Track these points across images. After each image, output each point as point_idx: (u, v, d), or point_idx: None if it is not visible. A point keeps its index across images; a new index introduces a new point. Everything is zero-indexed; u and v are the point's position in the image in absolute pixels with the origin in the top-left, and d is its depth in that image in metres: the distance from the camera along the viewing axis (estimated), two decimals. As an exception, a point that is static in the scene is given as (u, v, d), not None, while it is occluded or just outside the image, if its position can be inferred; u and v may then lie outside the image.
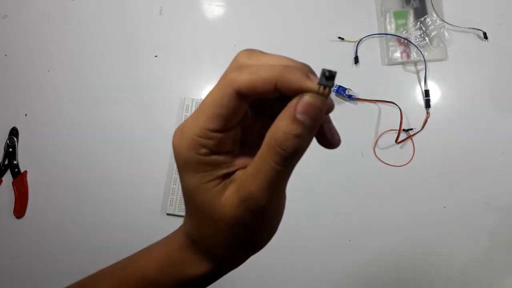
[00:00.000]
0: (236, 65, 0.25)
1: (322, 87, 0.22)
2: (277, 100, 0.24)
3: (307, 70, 0.24)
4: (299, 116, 0.22)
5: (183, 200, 0.75)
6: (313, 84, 0.23)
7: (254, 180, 0.24)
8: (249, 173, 0.24)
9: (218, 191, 0.25)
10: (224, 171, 0.26)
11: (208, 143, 0.24)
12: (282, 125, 0.23)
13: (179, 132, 0.25)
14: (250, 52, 0.25)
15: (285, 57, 0.25)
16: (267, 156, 0.23)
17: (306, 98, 0.23)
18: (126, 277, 0.32)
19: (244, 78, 0.23)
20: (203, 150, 0.25)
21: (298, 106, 0.22)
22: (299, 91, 0.23)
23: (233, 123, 0.25)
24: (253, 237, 0.27)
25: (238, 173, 0.26)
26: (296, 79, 0.23)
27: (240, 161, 0.26)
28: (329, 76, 0.22)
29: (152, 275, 0.30)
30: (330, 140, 0.26)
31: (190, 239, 0.29)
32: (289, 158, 0.23)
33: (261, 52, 0.25)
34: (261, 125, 0.26)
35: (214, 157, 0.25)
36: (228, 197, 0.25)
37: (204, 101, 0.25)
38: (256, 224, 0.26)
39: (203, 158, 0.25)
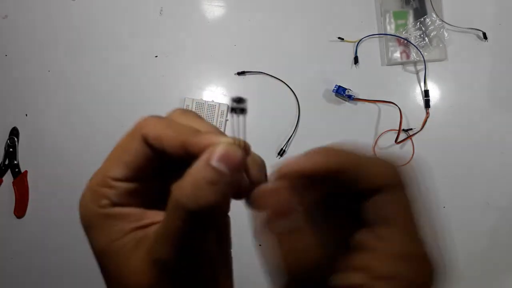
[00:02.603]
0: (158, 116, 0.22)
1: (237, 139, 0.20)
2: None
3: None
4: (215, 164, 0.19)
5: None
6: (225, 138, 0.20)
7: (163, 241, 0.20)
8: (157, 232, 0.20)
9: (129, 250, 0.21)
10: (132, 225, 0.21)
11: (109, 193, 0.21)
12: (192, 174, 0.19)
13: (85, 186, 0.22)
14: (185, 111, 0.23)
15: (216, 128, 0.22)
16: (172, 212, 0.19)
17: (221, 146, 0.19)
18: None
19: (153, 127, 0.21)
20: (104, 201, 0.21)
21: (212, 155, 0.19)
22: (210, 146, 0.20)
23: (141, 174, 0.22)
24: None
25: (152, 228, 0.21)
26: (207, 136, 0.20)
27: (154, 214, 0.22)
28: (237, 100, 0.20)
29: None
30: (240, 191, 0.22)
31: None
32: (199, 214, 0.19)
33: (195, 115, 0.23)
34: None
35: (117, 209, 0.21)
36: (140, 259, 0.21)
37: (115, 148, 0.22)
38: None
39: (104, 211, 0.21)
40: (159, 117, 0.22)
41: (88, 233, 0.22)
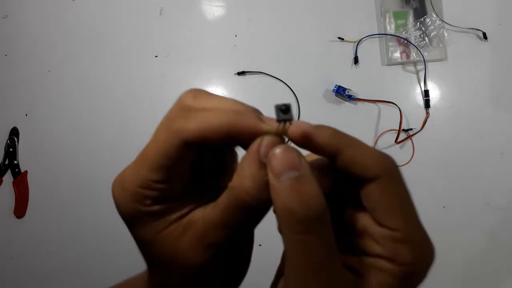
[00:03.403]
0: (180, 109, 0.23)
1: (282, 124, 0.21)
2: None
3: (258, 113, 0.22)
4: (265, 160, 0.20)
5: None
6: (268, 126, 0.21)
7: (221, 230, 0.22)
8: (212, 221, 0.22)
9: (176, 237, 0.23)
10: (176, 215, 0.23)
11: (152, 194, 0.22)
12: (249, 174, 0.21)
13: (119, 184, 0.23)
14: (196, 93, 0.23)
15: (234, 100, 0.23)
16: (233, 206, 0.21)
17: (268, 138, 0.21)
18: None
19: (193, 128, 0.21)
20: (149, 202, 0.22)
21: (262, 149, 0.20)
22: (255, 135, 0.21)
23: (179, 172, 0.23)
24: (221, 281, 0.25)
25: (196, 214, 0.23)
26: (252, 124, 0.21)
27: (190, 200, 0.24)
28: (285, 109, 0.21)
29: None
30: None
31: None
32: (258, 208, 0.21)
33: (208, 94, 0.23)
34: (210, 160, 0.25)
35: (162, 206, 0.23)
36: (191, 243, 0.23)
37: (146, 149, 0.23)
38: (221, 269, 0.24)
39: (148, 209, 0.23)
40: (192, 115, 0.22)
41: (132, 227, 0.24)
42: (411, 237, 0.21)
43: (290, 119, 0.21)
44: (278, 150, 0.20)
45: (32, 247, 0.78)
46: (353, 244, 0.23)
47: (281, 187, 0.20)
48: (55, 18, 0.82)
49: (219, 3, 0.83)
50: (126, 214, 0.23)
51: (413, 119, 0.78)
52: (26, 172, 0.78)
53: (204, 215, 0.23)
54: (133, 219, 0.23)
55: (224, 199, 0.22)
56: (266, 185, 0.20)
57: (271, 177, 0.20)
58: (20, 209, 0.78)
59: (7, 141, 0.79)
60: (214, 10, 0.82)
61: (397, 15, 0.80)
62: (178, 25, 0.82)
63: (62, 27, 0.82)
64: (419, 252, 0.21)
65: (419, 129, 0.77)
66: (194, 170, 0.24)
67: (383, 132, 0.78)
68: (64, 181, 0.78)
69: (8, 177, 0.79)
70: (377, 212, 0.21)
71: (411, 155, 0.77)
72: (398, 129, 0.75)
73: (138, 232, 0.23)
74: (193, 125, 0.21)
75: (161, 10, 0.82)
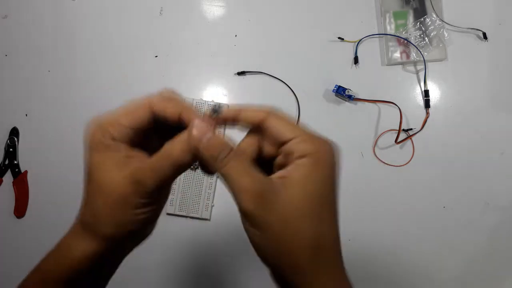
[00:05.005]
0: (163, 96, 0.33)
1: (214, 114, 0.32)
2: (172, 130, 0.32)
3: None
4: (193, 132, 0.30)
5: (183, 200, 0.75)
6: (199, 117, 0.31)
7: (149, 172, 0.30)
8: (146, 166, 0.30)
9: (116, 168, 0.31)
10: (122, 154, 0.31)
11: (114, 131, 0.31)
12: (185, 140, 0.30)
13: (97, 121, 0.32)
14: (173, 96, 0.33)
15: (193, 108, 0.33)
16: (164, 160, 0.30)
17: (197, 123, 0.31)
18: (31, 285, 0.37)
19: (161, 102, 0.32)
20: (108, 135, 0.31)
21: (193, 125, 0.30)
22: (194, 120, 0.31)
23: (140, 130, 0.32)
24: (136, 219, 0.31)
25: (135, 159, 0.31)
26: (193, 114, 0.32)
27: (138, 153, 0.32)
28: (217, 110, 0.32)
29: (49, 272, 0.35)
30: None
31: (81, 223, 0.33)
32: (183, 165, 0.30)
33: (179, 99, 0.33)
34: (157, 140, 0.33)
35: (116, 142, 0.31)
36: (122, 176, 0.30)
37: (124, 106, 0.33)
38: (138, 205, 0.31)
39: (106, 141, 0.31)
40: (162, 96, 0.32)
41: (89, 152, 0.31)
42: (310, 138, 0.31)
43: (220, 114, 0.32)
44: (197, 122, 0.31)
45: (32, 247, 0.78)
46: (283, 165, 0.31)
47: (202, 144, 0.30)
48: (55, 18, 0.82)
49: (219, 3, 0.83)
50: (93, 142, 0.31)
51: (413, 119, 0.78)
52: (26, 172, 0.79)
53: (142, 159, 0.32)
54: (92, 145, 0.31)
55: (158, 153, 0.31)
56: (186, 150, 0.30)
57: (195, 139, 0.30)
58: (20, 209, 0.78)
59: (7, 141, 0.79)
60: (214, 10, 0.82)
61: (397, 15, 0.80)
62: (178, 25, 0.82)
63: (62, 27, 0.82)
64: (318, 144, 0.31)
65: (419, 129, 0.77)
66: (155, 135, 0.33)
67: (383, 132, 0.78)
68: (64, 181, 0.78)
69: (8, 177, 0.79)
70: (287, 137, 0.31)
71: (411, 155, 0.77)
72: (398, 129, 0.75)
73: (91, 156, 0.31)
74: (162, 103, 0.32)
75: (161, 10, 0.82)
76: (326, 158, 0.31)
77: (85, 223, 0.33)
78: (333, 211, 0.32)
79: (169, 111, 0.32)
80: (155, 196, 0.31)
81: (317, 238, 0.29)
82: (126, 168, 0.30)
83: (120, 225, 0.31)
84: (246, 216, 0.29)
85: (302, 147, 0.30)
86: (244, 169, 0.29)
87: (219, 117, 0.32)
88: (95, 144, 0.31)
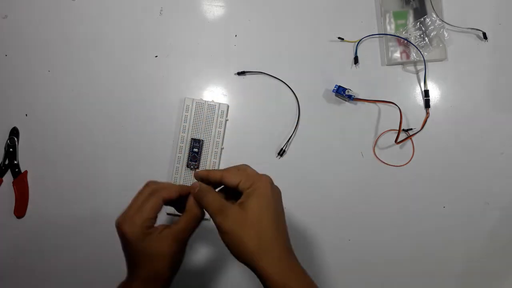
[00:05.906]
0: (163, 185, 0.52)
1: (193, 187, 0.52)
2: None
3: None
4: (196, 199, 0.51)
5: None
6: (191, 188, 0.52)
7: (183, 231, 0.50)
8: (180, 227, 0.50)
9: (160, 239, 0.48)
10: (158, 231, 0.49)
11: (148, 224, 0.49)
12: (193, 203, 0.51)
13: (129, 221, 0.49)
14: (160, 185, 0.52)
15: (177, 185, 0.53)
16: (191, 218, 0.51)
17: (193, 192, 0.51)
18: None
19: (166, 191, 0.51)
20: (146, 226, 0.49)
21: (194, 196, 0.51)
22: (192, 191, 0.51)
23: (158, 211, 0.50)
24: (180, 260, 0.52)
25: (167, 228, 0.50)
26: (187, 189, 0.52)
27: (162, 225, 0.51)
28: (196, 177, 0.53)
29: None
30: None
31: (141, 281, 0.49)
32: (201, 219, 0.52)
33: (162, 184, 0.53)
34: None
35: (151, 229, 0.49)
36: (167, 240, 0.49)
37: (142, 203, 0.50)
38: (181, 253, 0.51)
39: (147, 231, 0.48)
40: (162, 186, 0.52)
41: (135, 241, 0.48)
42: (249, 178, 0.49)
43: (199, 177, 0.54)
44: (195, 185, 0.51)
45: (32, 247, 0.78)
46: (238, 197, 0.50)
47: (195, 195, 0.51)
48: (55, 18, 0.82)
49: (219, 3, 0.83)
50: (132, 235, 0.48)
51: (413, 119, 0.78)
52: (26, 172, 0.79)
53: (173, 226, 0.50)
54: (137, 236, 0.48)
55: (184, 216, 0.51)
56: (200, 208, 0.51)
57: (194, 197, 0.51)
58: (20, 209, 0.78)
59: (7, 141, 0.79)
60: (214, 10, 0.82)
61: (397, 15, 0.80)
62: (178, 25, 0.82)
63: (62, 27, 0.82)
64: (255, 181, 0.49)
65: (419, 129, 0.77)
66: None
67: (383, 132, 0.78)
68: (64, 181, 0.78)
69: (8, 177, 0.79)
70: (240, 183, 0.50)
71: (411, 155, 0.77)
72: (398, 129, 0.75)
73: (138, 243, 0.48)
74: (166, 191, 0.51)
75: (161, 10, 0.82)
76: (262, 187, 0.48)
77: (146, 279, 0.48)
78: (271, 217, 0.47)
79: (173, 195, 0.51)
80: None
81: (259, 234, 0.45)
82: (165, 234, 0.49)
83: (174, 269, 0.51)
84: (216, 226, 0.47)
85: (246, 185, 0.48)
86: (212, 198, 0.49)
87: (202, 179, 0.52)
88: (137, 235, 0.48)
